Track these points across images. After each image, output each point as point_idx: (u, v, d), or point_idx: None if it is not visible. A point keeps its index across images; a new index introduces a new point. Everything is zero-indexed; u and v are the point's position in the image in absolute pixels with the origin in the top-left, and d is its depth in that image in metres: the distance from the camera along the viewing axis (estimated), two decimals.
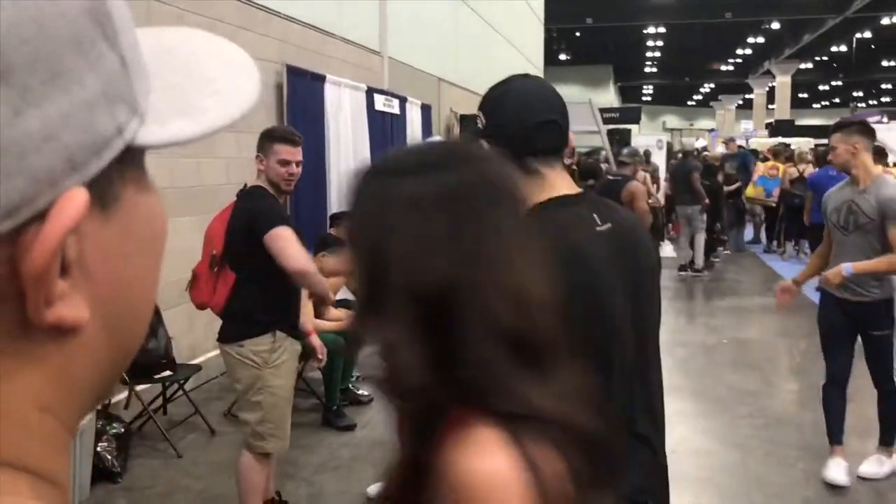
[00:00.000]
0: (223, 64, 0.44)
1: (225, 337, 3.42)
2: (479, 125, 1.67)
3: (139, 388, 4.79)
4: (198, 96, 0.41)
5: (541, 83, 1.69)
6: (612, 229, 1.59)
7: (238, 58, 0.44)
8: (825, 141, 20.44)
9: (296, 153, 3.43)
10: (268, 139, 3.42)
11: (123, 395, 4.96)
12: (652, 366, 1.64)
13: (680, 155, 12.85)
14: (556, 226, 1.53)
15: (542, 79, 1.75)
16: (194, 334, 5.85)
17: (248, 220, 3.30)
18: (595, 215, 1.59)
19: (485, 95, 1.69)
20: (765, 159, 14.03)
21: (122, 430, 4.45)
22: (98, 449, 4.17)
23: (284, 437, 3.48)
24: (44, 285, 0.35)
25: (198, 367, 5.24)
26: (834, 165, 4.50)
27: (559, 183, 1.62)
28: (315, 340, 3.82)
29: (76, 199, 0.35)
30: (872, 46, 36.52)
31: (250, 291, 3.32)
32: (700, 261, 11.17)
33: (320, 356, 3.89)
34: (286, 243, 3.22)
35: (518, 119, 1.60)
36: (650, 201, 9.47)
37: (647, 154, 13.94)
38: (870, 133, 4.22)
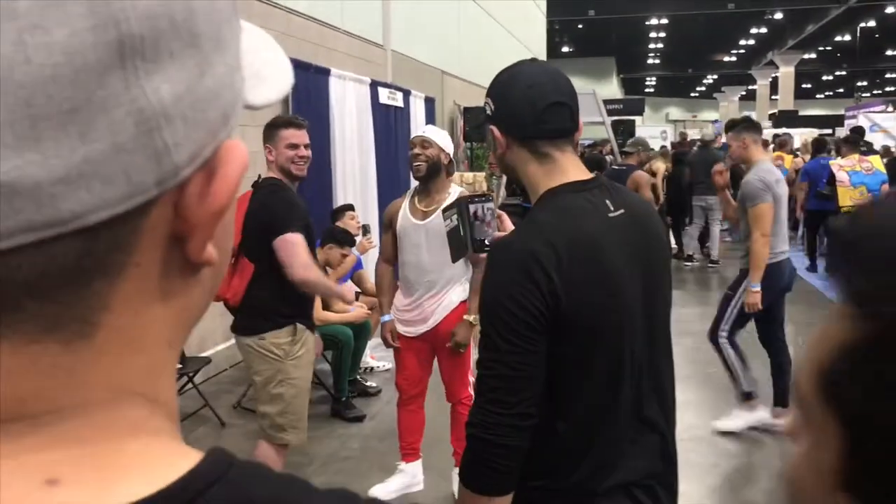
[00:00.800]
0: (255, 36, 0.48)
1: (244, 329, 3.42)
2: (489, 111, 1.66)
3: None
4: (260, 66, 0.46)
5: (549, 67, 1.69)
6: (624, 215, 1.58)
7: (260, 32, 0.49)
8: (829, 131, 20.41)
9: (302, 136, 3.46)
10: (273, 128, 3.46)
11: None
12: (662, 351, 1.64)
13: (699, 144, 12.52)
14: (569, 213, 1.54)
15: (549, 63, 1.76)
16: (203, 327, 5.88)
17: (264, 218, 3.30)
18: (608, 201, 1.58)
19: (493, 81, 1.69)
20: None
21: None
22: None
23: (303, 430, 3.50)
24: (215, 225, 0.40)
25: (207, 360, 5.26)
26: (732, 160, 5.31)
27: (570, 168, 1.61)
28: (345, 288, 3.89)
29: (242, 146, 0.41)
30: (876, 35, 36.42)
31: (270, 284, 3.31)
32: (715, 252, 11.15)
33: (349, 298, 3.98)
34: (294, 249, 3.25)
35: (528, 101, 1.59)
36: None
37: (664, 149, 13.85)
38: (755, 128, 5.04)
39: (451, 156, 3.83)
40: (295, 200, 3.39)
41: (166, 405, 0.43)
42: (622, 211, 1.58)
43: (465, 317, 3.69)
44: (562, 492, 1.55)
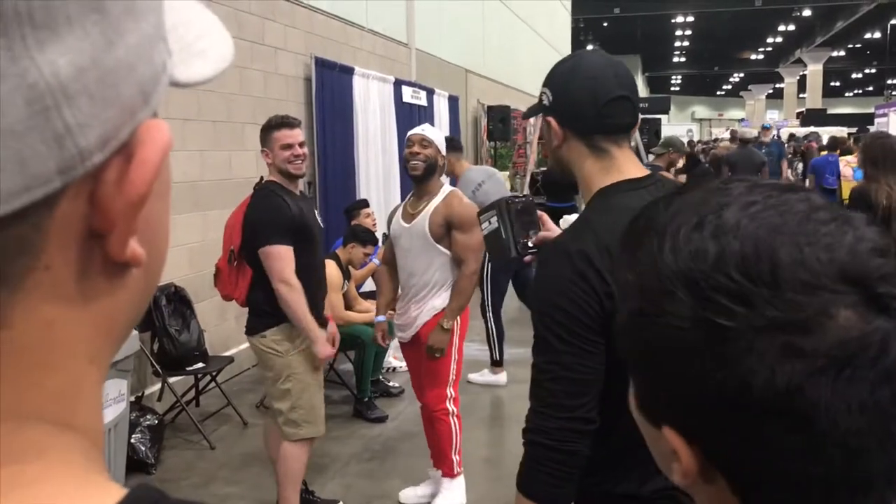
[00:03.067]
0: (189, 7, 0.42)
1: (249, 329, 3.50)
2: (546, 102, 1.60)
3: (172, 380, 4.82)
4: (193, 39, 0.40)
5: (611, 58, 1.62)
6: None
7: (197, 4, 0.43)
8: (854, 129, 20.14)
9: (295, 135, 3.44)
10: (266, 131, 3.47)
11: (156, 387, 4.99)
12: None
13: (738, 142, 12.12)
14: (623, 213, 1.49)
15: (607, 54, 1.68)
16: (226, 326, 5.88)
17: (251, 224, 3.39)
18: None
19: (551, 71, 1.63)
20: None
21: (156, 421, 4.48)
22: (132, 440, 4.20)
23: (318, 423, 3.50)
24: (135, 216, 0.34)
25: (230, 359, 5.26)
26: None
27: (626, 165, 1.57)
28: (331, 327, 3.79)
29: (163, 126, 0.35)
30: None
31: (266, 285, 3.37)
32: None
33: (331, 346, 3.83)
34: (270, 263, 3.31)
35: (590, 96, 1.53)
36: None
37: (691, 144, 13.53)
38: None
39: (445, 156, 3.79)
40: (281, 207, 3.35)
41: (87, 432, 0.36)
42: None
43: (440, 322, 3.61)
44: (606, 493, 1.52)
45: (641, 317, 0.58)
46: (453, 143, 6.17)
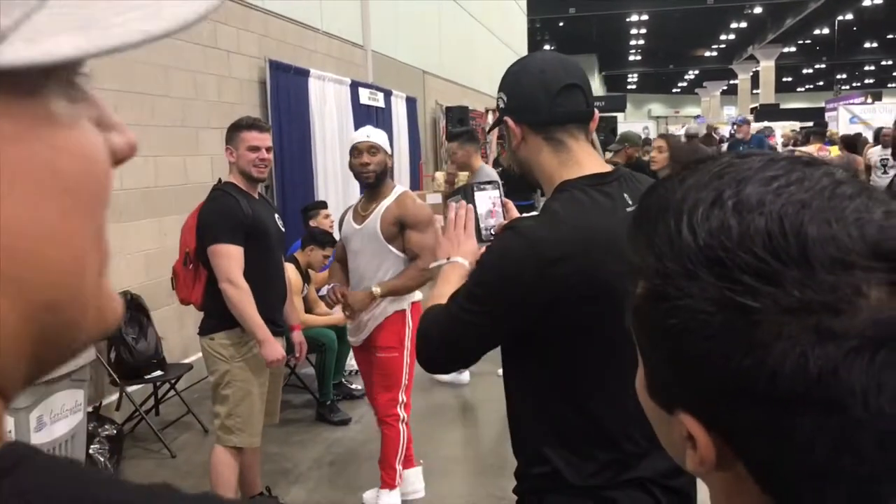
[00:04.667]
0: None
1: (200, 330, 3.49)
2: (501, 104, 1.62)
3: (130, 389, 4.75)
4: (111, 14, 0.35)
5: (559, 54, 1.65)
6: None
7: None
8: (810, 124, 20.62)
9: (264, 139, 3.41)
10: (235, 129, 3.43)
11: (114, 396, 4.91)
12: None
13: (686, 139, 12.29)
14: (585, 208, 1.49)
15: (557, 53, 1.72)
16: (184, 333, 5.81)
17: (201, 225, 3.37)
18: (625, 195, 1.54)
19: (504, 75, 1.65)
20: None
21: (115, 431, 4.41)
22: (90, 451, 4.12)
23: (253, 433, 3.45)
24: None
25: (189, 367, 5.19)
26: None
27: (586, 159, 1.57)
28: (297, 336, 3.76)
29: None
30: (854, 28, 36.70)
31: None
32: None
33: (298, 354, 3.81)
34: (217, 262, 3.30)
35: (541, 85, 1.56)
36: None
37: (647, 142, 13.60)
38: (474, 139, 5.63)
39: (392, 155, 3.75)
40: (233, 207, 3.33)
41: None
42: None
43: (370, 287, 3.55)
44: (570, 483, 1.52)
45: (660, 299, 0.55)
46: (471, 135, 6.10)
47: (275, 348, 3.35)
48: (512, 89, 1.61)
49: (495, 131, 15.65)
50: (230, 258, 3.28)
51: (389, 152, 3.67)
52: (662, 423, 0.61)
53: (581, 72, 1.61)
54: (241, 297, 3.28)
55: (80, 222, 0.37)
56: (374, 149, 3.57)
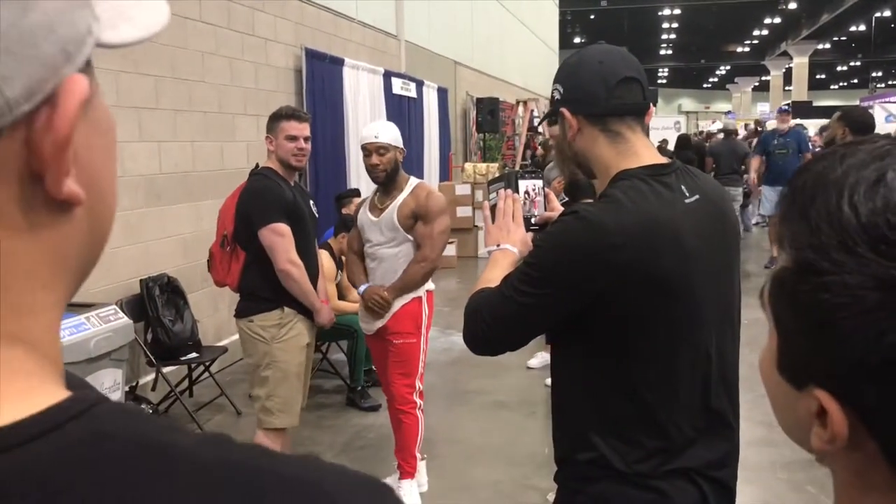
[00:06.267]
0: None
1: (238, 313, 3.53)
2: (557, 96, 1.63)
3: (166, 369, 4.84)
4: (127, 6, 0.45)
5: (616, 47, 1.65)
6: (699, 201, 1.54)
7: None
8: None
9: (303, 129, 3.46)
10: (275, 119, 3.48)
11: (151, 376, 5.01)
12: (729, 338, 1.61)
13: (721, 135, 12.45)
14: (645, 198, 1.49)
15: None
16: (219, 316, 5.90)
17: (247, 207, 3.40)
18: (683, 187, 1.54)
19: (560, 67, 1.66)
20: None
21: (151, 411, 4.50)
22: None
23: (293, 414, 3.50)
24: (64, 156, 0.40)
25: (223, 349, 5.28)
26: None
27: (643, 150, 1.58)
28: (325, 308, 3.77)
29: (81, 79, 0.41)
30: (892, 25, 36.08)
31: (259, 269, 3.40)
32: None
33: (326, 321, 3.74)
34: (274, 240, 3.34)
35: (599, 77, 1.56)
36: None
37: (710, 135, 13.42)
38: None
39: (404, 147, 3.71)
40: (278, 191, 3.38)
41: (39, 347, 0.42)
42: (697, 196, 1.54)
43: (384, 286, 3.59)
44: (616, 469, 1.52)
45: (811, 273, 0.55)
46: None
47: (330, 314, 3.59)
48: (569, 81, 1.61)
49: (525, 123, 15.50)
50: (285, 237, 3.34)
51: (401, 146, 3.65)
52: (788, 400, 0.61)
53: (638, 64, 1.62)
54: (303, 275, 3.37)
55: (115, 168, 0.48)
56: (382, 149, 3.56)
